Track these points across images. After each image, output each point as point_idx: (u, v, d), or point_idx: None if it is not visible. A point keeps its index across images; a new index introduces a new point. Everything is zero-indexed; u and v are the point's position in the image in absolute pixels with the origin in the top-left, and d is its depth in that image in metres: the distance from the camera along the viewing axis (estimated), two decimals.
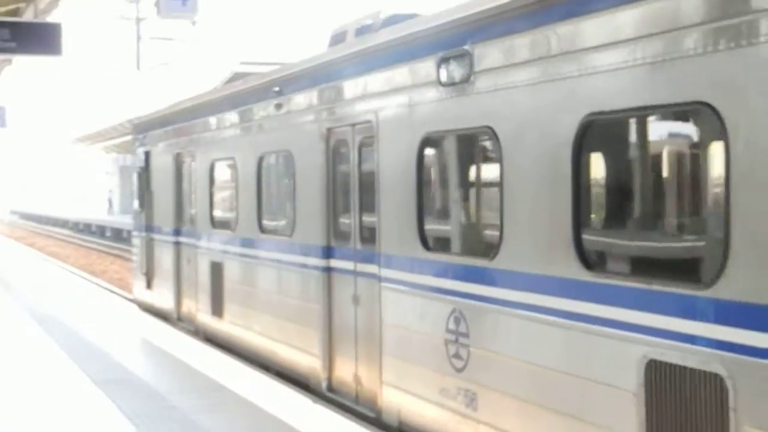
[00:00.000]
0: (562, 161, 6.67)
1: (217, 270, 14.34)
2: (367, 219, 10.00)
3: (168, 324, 16.71)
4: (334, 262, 10.65)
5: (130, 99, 60.54)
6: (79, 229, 66.03)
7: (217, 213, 14.80)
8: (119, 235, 51.24)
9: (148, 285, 18.50)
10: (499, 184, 7.47)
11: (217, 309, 14.35)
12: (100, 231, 58.83)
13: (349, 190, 10.24)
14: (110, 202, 73.88)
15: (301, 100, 11.41)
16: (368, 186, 9.92)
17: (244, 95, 13.34)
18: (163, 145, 17.49)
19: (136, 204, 19.40)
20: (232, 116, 13.82)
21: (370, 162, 9.78)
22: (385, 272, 9.34)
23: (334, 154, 10.70)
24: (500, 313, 7.54)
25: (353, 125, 10.10)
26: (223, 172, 14.54)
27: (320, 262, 10.82)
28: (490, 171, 7.85)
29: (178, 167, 16.61)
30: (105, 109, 66.16)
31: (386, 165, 9.28)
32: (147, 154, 18.51)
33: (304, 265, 11.21)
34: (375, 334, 9.58)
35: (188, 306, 16.05)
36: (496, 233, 7.54)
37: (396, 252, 9.14)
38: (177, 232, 16.64)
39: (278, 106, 11.99)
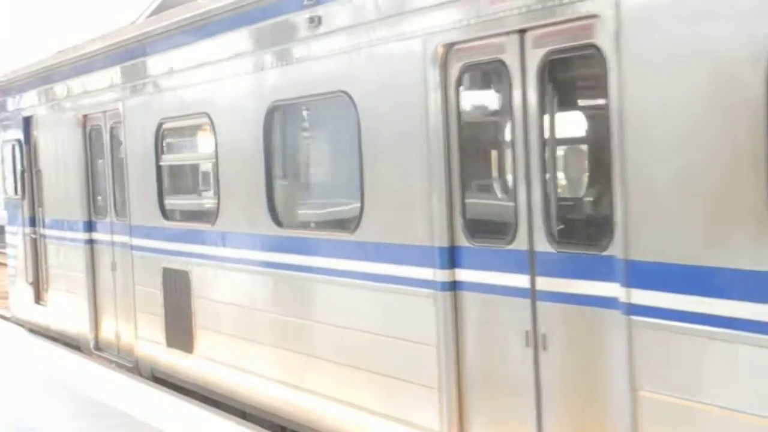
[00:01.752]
0: None
1: (177, 281, 9.46)
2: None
3: (80, 355, 11.66)
4: (467, 274, 6.10)
5: None
6: None
7: (175, 199, 9.89)
8: None
9: (38, 299, 13.26)
10: None
11: (180, 339, 9.47)
12: None
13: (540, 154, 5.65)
14: None
15: (368, 4, 6.73)
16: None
17: (224, 16, 8.48)
18: (57, 106, 12.28)
19: (10, 189, 14.04)
20: (198, 52, 8.92)
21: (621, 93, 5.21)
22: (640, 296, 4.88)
23: (460, 90, 6.10)
24: None
25: (522, 32, 5.55)
26: (182, 138, 9.65)
27: (440, 275, 6.23)
28: None
29: (88, 135, 11.50)
30: None
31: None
32: (27, 121, 13.19)
33: (400, 280, 6.58)
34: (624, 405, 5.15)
35: (117, 330, 11.04)
36: None
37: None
38: (90, 227, 11.55)
39: (314, 23, 7.25)
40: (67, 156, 11.88)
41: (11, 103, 13.77)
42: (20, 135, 13.31)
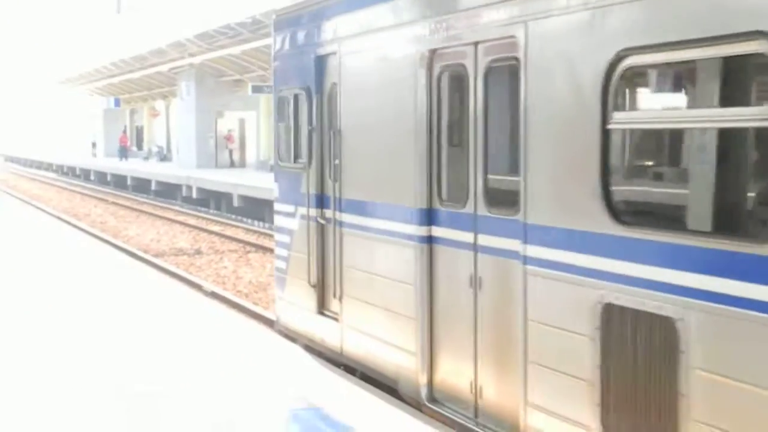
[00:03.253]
0: None
1: (644, 332, 5.31)
2: None
3: (400, 405, 7.82)
4: None
5: (110, 42, 55.79)
6: (63, 172, 66.24)
7: (642, 187, 5.79)
8: (103, 179, 53.50)
9: (323, 308, 9.46)
10: None
11: (645, 430, 5.41)
12: (84, 174, 59.63)
13: None
14: (93, 145, 70.74)
15: None
16: None
17: None
18: (378, 39, 8.34)
19: (286, 154, 10.28)
20: None
21: None
22: None
23: None
24: None
25: None
26: (683, 82, 5.53)
27: None
28: None
29: (437, 81, 7.53)
30: (87, 52, 60.88)
31: None
32: (321, 61, 9.35)
33: None
34: None
35: (475, 382, 7.06)
36: None
37: None
38: (429, 218, 7.63)
39: None
40: (393, 111, 7.96)
41: (296, 40, 9.96)
42: (309, 82, 9.49)
